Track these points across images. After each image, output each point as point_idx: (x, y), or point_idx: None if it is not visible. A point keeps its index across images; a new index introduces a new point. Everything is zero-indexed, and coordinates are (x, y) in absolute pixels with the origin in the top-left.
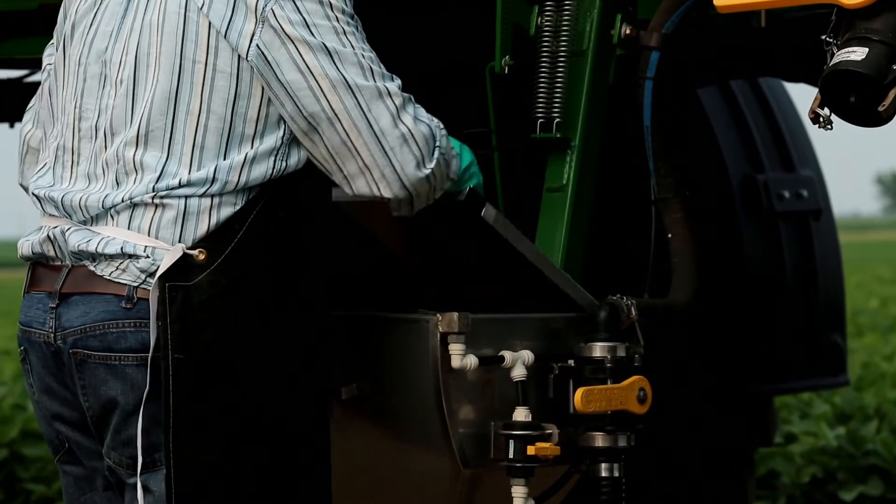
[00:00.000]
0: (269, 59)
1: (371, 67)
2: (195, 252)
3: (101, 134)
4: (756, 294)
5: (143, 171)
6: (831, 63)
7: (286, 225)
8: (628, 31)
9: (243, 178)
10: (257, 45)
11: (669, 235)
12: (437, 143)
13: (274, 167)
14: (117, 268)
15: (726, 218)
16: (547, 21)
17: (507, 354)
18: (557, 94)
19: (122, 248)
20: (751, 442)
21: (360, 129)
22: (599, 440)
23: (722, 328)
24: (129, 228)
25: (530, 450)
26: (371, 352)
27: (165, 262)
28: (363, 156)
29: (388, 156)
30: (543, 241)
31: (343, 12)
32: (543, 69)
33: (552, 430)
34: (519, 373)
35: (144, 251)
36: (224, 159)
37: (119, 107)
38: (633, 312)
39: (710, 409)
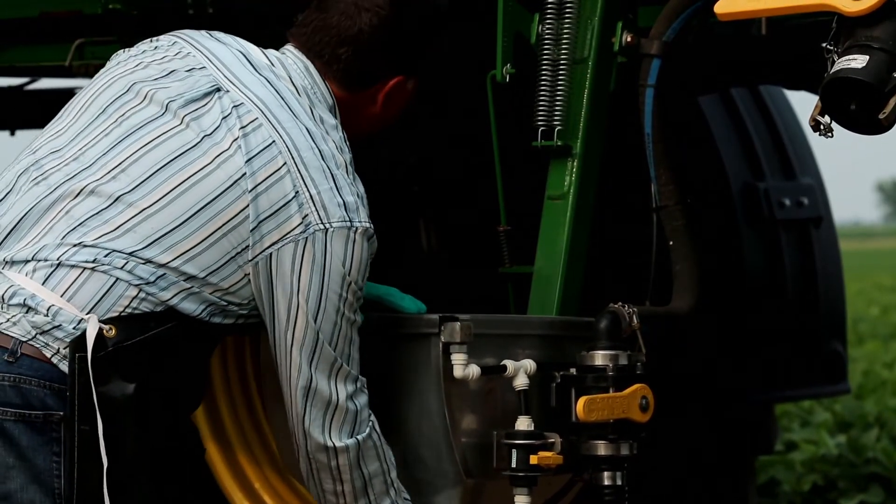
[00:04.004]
0: (273, 272)
1: (345, 353)
2: (106, 327)
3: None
4: (757, 301)
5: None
6: (832, 71)
7: (188, 349)
8: (629, 39)
9: (176, 301)
10: (270, 255)
11: (671, 243)
12: (359, 433)
13: (203, 312)
14: (9, 319)
15: (727, 225)
16: (548, 29)
17: (510, 364)
18: (559, 102)
19: (24, 300)
20: (751, 450)
21: (291, 383)
22: (602, 449)
23: (723, 335)
24: (42, 284)
25: (533, 459)
26: (373, 359)
27: (89, 334)
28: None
29: (305, 405)
30: (545, 250)
31: (355, 282)
32: (544, 77)
33: (555, 438)
34: (521, 382)
35: (47, 310)
36: (176, 276)
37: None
38: (635, 321)
39: (711, 417)
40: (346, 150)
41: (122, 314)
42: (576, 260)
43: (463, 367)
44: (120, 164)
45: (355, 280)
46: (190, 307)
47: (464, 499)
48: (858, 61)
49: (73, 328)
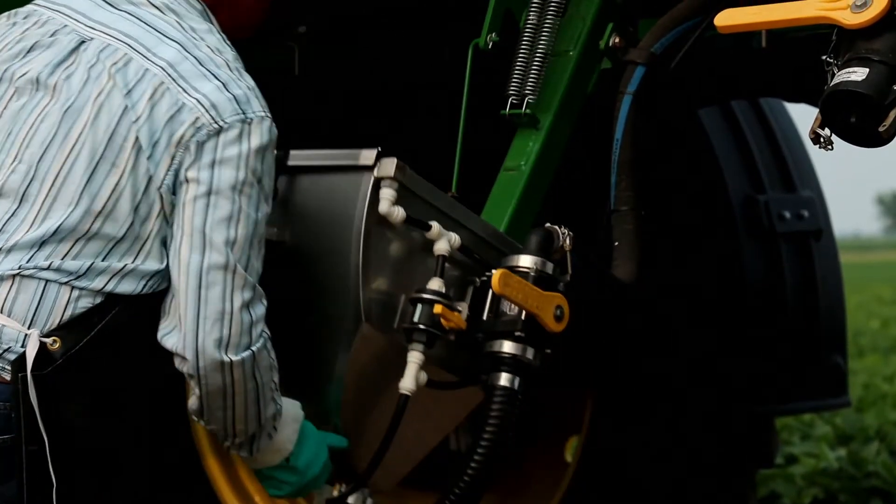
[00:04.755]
0: (176, 185)
1: (237, 239)
2: (49, 340)
3: None
4: (757, 314)
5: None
6: (832, 83)
7: (137, 331)
8: (616, 41)
9: (112, 285)
10: (173, 171)
11: (616, 244)
12: (254, 344)
13: (145, 286)
14: None
15: (727, 238)
16: (534, 8)
17: (436, 226)
18: (533, 73)
19: None
20: (752, 463)
21: (189, 284)
22: (507, 346)
23: (723, 348)
24: None
25: (437, 308)
26: (300, 199)
27: (29, 352)
28: (179, 308)
29: (198, 317)
30: (486, 219)
31: (253, 175)
32: (524, 48)
33: (463, 308)
34: (443, 247)
35: None
36: (103, 261)
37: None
38: (568, 243)
39: (712, 430)
40: (227, 48)
41: (63, 321)
42: (514, 235)
43: (389, 203)
44: (16, 156)
45: (254, 170)
46: (129, 287)
47: (357, 345)
48: (858, 74)
49: (21, 346)
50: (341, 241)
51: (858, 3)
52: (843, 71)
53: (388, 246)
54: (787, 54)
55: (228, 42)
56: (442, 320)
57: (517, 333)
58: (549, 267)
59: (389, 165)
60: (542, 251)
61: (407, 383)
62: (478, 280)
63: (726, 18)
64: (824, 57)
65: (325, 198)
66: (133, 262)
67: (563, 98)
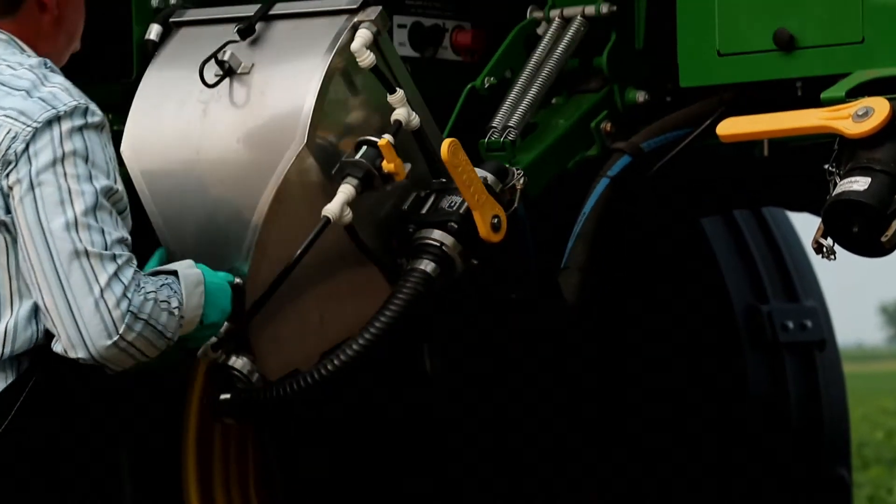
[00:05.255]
0: (14, 197)
1: (80, 221)
2: None
3: None
4: (760, 426)
5: None
6: (834, 193)
7: (65, 397)
8: (608, 128)
9: (8, 349)
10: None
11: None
12: (132, 309)
13: (37, 330)
14: None
15: (730, 349)
16: (540, 51)
17: (401, 92)
18: (522, 110)
19: None
20: None
21: (50, 283)
22: (436, 234)
23: (724, 458)
24: None
25: (382, 141)
26: (276, 39)
27: None
28: (51, 312)
29: (73, 314)
30: None
31: (73, 154)
32: (518, 87)
33: (409, 167)
34: (402, 114)
35: None
36: None
37: None
38: (521, 182)
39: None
40: (27, 57)
41: None
42: None
43: (363, 44)
44: None
45: (73, 150)
46: (23, 338)
47: (289, 171)
48: (860, 183)
49: None
50: (303, 73)
51: (860, 113)
52: (845, 180)
53: (348, 90)
54: (789, 163)
55: (29, 49)
56: (384, 163)
57: (450, 224)
58: (499, 185)
59: (372, 12)
60: (498, 174)
61: (332, 207)
62: (432, 190)
63: (729, 127)
64: (826, 166)
65: (301, 37)
66: (12, 313)
67: (541, 155)
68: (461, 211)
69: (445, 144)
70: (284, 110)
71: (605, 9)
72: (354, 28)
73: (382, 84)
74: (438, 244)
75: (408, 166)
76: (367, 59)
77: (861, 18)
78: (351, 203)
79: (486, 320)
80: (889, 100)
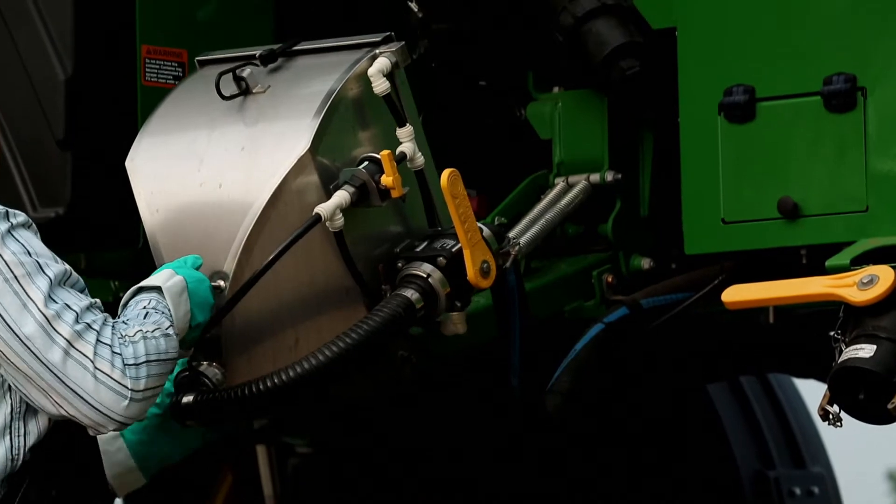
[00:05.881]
0: None
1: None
2: None
3: None
4: None
5: None
6: (840, 360)
7: None
8: (609, 280)
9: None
10: None
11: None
12: (128, 361)
13: (12, 447)
14: None
15: None
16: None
17: (409, 127)
18: (537, 230)
19: None
20: None
21: (48, 382)
22: (424, 267)
23: None
24: None
25: (384, 153)
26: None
27: None
28: (63, 406)
29: (71, 390)
30: None
31: (13, 256)
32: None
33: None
34: (408, 148)
35: None
36: None
37: None
38: (515, 249)
39: None
40: None
41: None
42: None
43: (379, 69)
44: None
45: (12, 252)
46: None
47: (289, 172)
48: (866, 351)
49: None
50: (316, 92)
51: (865, 281)
52: (851, 348)
53: (358, 114)
54: (794, 330)
55: None
56: (383, 177)
57: (439, 258)
58: (495, 248)
59: (395, 45)
60: (496, 234)
61: (325, 206)
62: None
63: (734, 294)
64: (832, 333)
65: (322, 64)
66: None
67: (537, 289)
68: (453, 250)
69: (446, 173)
70: (292, 121)
71: (609, 177)
72: (374, 57)
73: (393, 114)
74: (425, 275)
75: (406, 188)
76: (381, 85)
77: (865, 187)
78: (345, 211)
79: None
80: (894, 268)
